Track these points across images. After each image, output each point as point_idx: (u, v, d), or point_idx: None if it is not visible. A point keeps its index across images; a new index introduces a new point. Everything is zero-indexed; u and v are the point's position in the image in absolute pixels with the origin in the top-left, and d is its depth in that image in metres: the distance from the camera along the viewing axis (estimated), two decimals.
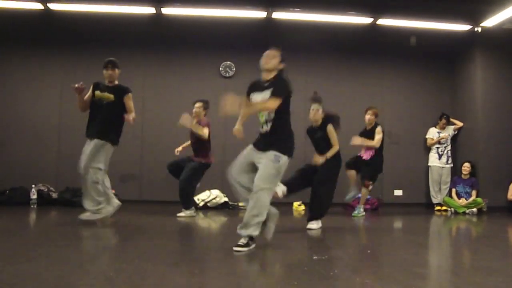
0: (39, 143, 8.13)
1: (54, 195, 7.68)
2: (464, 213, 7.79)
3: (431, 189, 8.52)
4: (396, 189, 8.70)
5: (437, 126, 8.63)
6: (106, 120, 5.22)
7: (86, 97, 5.33)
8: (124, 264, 3.28)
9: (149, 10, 7.79)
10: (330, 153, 5.44)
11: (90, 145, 5.15)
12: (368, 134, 7.00)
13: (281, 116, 3.95)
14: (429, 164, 8.58)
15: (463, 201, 7.93)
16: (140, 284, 2.63)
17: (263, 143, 3.96)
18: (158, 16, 7.95)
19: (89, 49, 8.21)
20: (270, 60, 4.00)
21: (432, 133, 8.62)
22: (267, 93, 3.90)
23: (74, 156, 8.16)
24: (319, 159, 5.39)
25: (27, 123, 8.15)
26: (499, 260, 3.71)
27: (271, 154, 3.84)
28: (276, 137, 3.93)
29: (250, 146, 4.03)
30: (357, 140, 6.79)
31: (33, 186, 7.53)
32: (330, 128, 5.51)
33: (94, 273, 2.88)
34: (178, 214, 6.29)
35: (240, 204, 7.84)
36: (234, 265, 3.31)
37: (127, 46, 8.34)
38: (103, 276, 2.78)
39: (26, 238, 4.50)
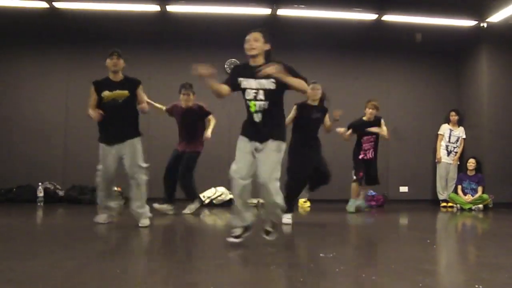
0: (45, 141, 8.16)
1: (61, 193, 7.72)
2: (470, 209, 7.77)
3: (438, 185, 8.45)
4: (401, 186, 8.68)
5: (450, 123, 8.57)
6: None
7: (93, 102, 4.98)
8: (131, 261, 3.30)
9: (154, 7, 7.80)
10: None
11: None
12: (368, 126, 6.97)
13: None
14: (437, 159, 8.52)
15: (469, 198, 7.91)
16: (147, 281, 2.64)
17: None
18: (163, 13, 7.95)
19: (94, 47, 8.21)
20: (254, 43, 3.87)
21: (444, 130, 8.54)
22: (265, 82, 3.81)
23: (80, 154, 8.29)
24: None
25: (33, 121, 8.18)
26: (506, 256, 3.70)
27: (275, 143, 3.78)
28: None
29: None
30: (375, 129, 6.86)
31: (40, 184, 7.58)
32: None
33: (100, 271, 2.89)
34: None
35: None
36: (240, 263, 3.32)
37: (132, 43, 8.34)
38: (110, 274, 2.80)
39: (33, 235, 4.54)
